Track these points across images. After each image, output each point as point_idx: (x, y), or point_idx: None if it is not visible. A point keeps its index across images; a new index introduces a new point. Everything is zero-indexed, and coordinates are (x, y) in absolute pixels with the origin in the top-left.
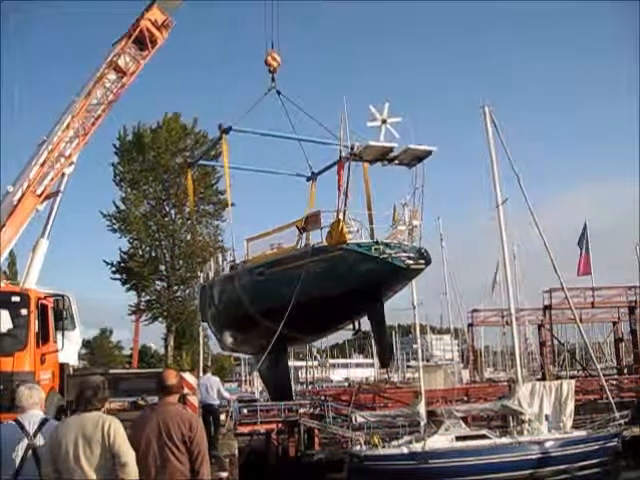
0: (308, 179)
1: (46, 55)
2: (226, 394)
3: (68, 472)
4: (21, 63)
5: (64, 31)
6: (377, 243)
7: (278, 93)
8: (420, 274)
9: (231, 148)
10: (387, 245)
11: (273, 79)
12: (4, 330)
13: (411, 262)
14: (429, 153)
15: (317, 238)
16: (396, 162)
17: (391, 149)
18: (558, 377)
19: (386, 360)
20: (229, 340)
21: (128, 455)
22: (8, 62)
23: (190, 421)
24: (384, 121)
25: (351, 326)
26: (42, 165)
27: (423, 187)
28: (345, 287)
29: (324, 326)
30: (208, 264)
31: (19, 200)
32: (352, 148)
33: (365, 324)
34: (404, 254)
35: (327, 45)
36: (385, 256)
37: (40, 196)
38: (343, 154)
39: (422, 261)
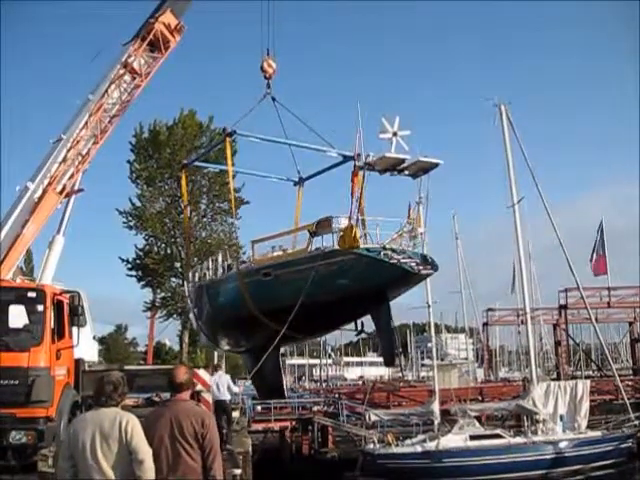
0: (295, 184)
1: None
2: (235, 389)
3: (85, 468)
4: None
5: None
6: (385, 248)
7: (273, 100)
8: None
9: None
10: (394, 250)
11: (269, 85)
12: (20, 325)
13: (421, 267)
14: (436, 165)
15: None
16: (405, 173)
17: (403, 160)
18: (573, 377)
19: (391, 360)
20: (224, 339)
21: (145, 452)
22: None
23: (202, 418)
24: (395, 134)
25: (353, 326)
26: (62, 163)
27: (427, 197)
28: (355, 290)
29: (326, 326)
30: (205, 264)
31: (41, 197)
32: (367, 157)
33: (369, 326)
34: (410, 259)
35: (330, 47)
36: (394, 261)
37: (61, 193)
38: (357, 163)
39: (429, 267)
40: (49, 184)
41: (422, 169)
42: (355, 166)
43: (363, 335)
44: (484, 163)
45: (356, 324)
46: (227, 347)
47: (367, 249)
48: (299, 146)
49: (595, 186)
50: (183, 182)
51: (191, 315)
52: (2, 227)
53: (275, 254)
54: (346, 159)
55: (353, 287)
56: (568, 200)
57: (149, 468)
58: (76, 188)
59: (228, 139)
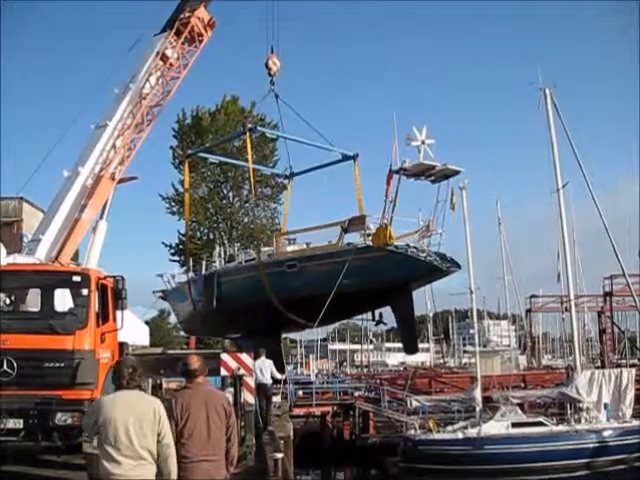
0: (286, 177)
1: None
2: (277, 375)
3: (117, 445)
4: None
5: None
6: (409, 246)
7: (276, 97)
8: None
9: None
10: (417, 248)
11: (272, 82)
12: (66, 309)
13: (449, 265)
14: (458, 173)
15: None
16: (431, 178)
17: (434, 167)
18: (618, 365)
19: (413, 348)
20: (228, 327)
21: (170, 434)
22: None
23: (227, 399)
24: (423, 142)
25: (370, 316)
26: (112, 150)
27: (446, 201)
28: (382, 283)
29: (343, 316)
30: (215, 252)
31: (96, 183)
32: (403, 163)
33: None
34: (430, 257)
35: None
36: (421, 258)
37: (113, 180)
38: (392, 167)
39: (453, 264)
40: (101, 170)
41: (445, 175)
42: (390, 170)
43: (382, 326)
44: (528, 147)
45: (373, 314)
46: (229, 335)
47: (396, 246)
48: (306, 144)
49: None
50: (186, 170)
51: (181, 302)
52: (57, 211)
53: (295, 248)
54: (345, 158)
55: (381, 281)
56: (612, 184)
57: (173, 448)
58: (126, 176)
59: (249, 134)
